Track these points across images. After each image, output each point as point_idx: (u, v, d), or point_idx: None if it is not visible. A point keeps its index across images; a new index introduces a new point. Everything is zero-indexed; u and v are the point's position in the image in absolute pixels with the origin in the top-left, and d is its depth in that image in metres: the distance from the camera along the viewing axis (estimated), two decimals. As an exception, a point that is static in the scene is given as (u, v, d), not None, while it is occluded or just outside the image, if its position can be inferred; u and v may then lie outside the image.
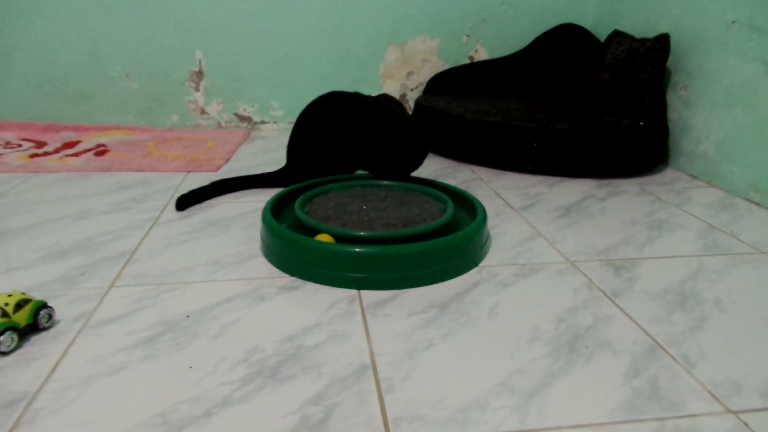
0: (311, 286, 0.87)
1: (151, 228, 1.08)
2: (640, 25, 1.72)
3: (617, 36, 1.69)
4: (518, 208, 1.23)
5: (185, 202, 1.19)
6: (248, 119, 2.02)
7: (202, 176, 1.40)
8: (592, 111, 1.63)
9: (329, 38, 1.95)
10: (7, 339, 0.67)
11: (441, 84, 1.93)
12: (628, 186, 1.41)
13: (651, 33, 1.61)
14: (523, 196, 1.31)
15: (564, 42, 1.95)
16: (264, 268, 0.92)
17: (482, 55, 2.05)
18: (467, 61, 2.05)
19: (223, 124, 2.01)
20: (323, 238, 0.92)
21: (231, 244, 1.01)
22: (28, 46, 1.83)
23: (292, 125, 1.35)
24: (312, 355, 0.69)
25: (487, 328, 0.76)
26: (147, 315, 0.77)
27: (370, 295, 0.84)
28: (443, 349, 0.71)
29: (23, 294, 0.71)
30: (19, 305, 0.69)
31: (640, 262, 0.97)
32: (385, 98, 1.26)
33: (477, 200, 1.06)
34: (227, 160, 1.58)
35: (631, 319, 0.79)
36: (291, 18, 1.91)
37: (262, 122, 2.03)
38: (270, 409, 0.60)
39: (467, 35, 2.02)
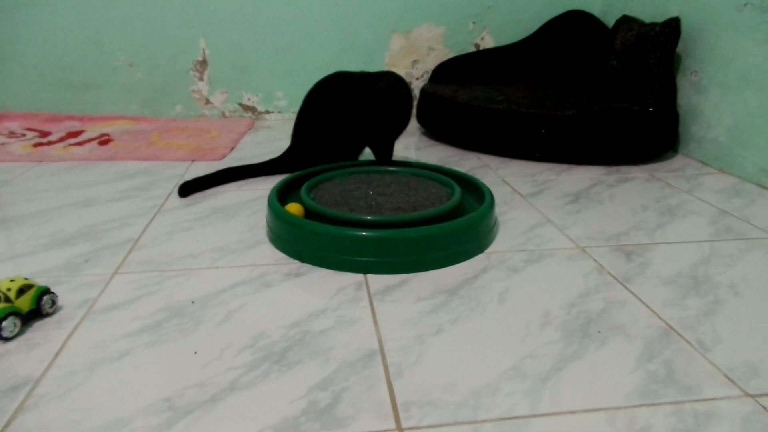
0: (317, 272, 0.85)
1: (155, 215, 1.07)
2: (649, 9, 1.69)
3: (626, 21, 1.66)
4: (526, 195, 1.21)
5: (188, 189, 1.18)
6: (252, 109, 2.00)
7: (207, 165, 1.39)
8: (601, 97, 1.60)
9: (334, 27, 1.93)
10: (10, 324, 0.66)
11: (447, 72, 1.90)
12: (638, 172, 1.39)
13: (660, 17, 1.58)
14: (531, 183, 1.29)
15: (571, 28, 1.92)
16: (269, 254, 0.91)
17: (488, 42, 2.02)
18: (473, 49, 2.03)
19: (227, 113, 2.00)
20: (292, 208, 0.93)
21: (236, 231, 1.00)
22: (32, 36, 1.82)
23: (296, 114, 1.34)
24: (319, 341, 0.68)
25: (497, 314, 0.74)
26: (152, 301, 0.76)
27: (377, 281, 0.83)
28: (453, 335, 0.70)
29: (26, 279, 0.70)
30: (21, 290, 0.68)
31: (652, 248, 0.95)
32: (389, 75, 1.24)
33: (484, 185, 1.05)
34: (231, 149, 1.56)
35: (644, 303, 0.77)
36: (295, 6, 1.89)
37: (267, 112, 2.01)
38: (277, 394, 0.59)
39: (473, 22, 2.00)
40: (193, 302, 0.76)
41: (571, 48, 1.91)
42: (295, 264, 0.88)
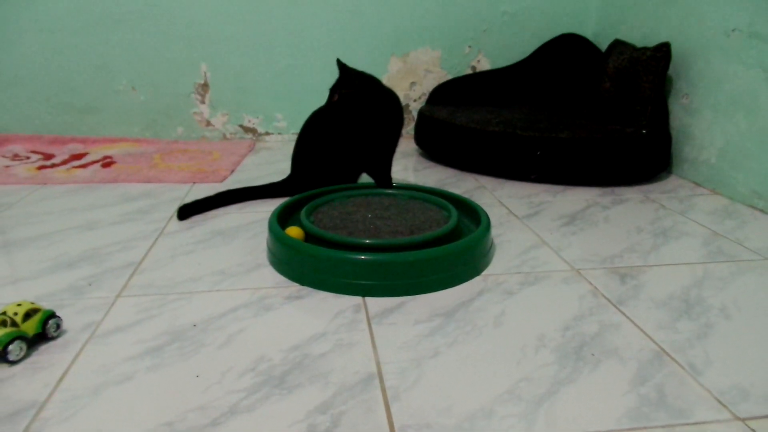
0: (317, 295, 0.87)
1: (157, 239, 1.09)
2: (641, 34, 1.73)
3: (618, 45, 1.70)
4: (522, 217, 1.23)
5: (187, 211, 1.20)
6: (253, 130, 2.03)
7: (208, 187, 1.41)
8: (595, 120, 1.63)
9: (333, 50, 1.97)
10: (16, 348, 0.67)
11: (444, 94, 1.94)
12: (632, 194, 1.41)
13: (652, 42, 1.62)
14: (527, 205, 1.32)
15: (565, 51, 1.97)
16: (270, 277, 0.93)
17: (484, 65, 2.07)
18: (469, 72, 2.07)
19: (228, 135, 2.03)
20: (292, 232, 0.96)
21: (236, 254, 1.01)
22: (36, 60, 1.86)
23: (296, 136, 1.37)
24: (318, 364, 0.69)
25: (493, 337, 0.76)
26: (154, 324, 0.78)
27: (375, 304, 0.84)
28: (449, 358, 0.71)
29: (32, 303, 0.72)
30: (27, 315, 0.70)
31: (645, 270, 0.97)
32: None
33: (481, 208, 1.07)
34: (232, 171, 1.59)
35: (637, 326, 0.79)
36: (295, 30, 1.94)
37: (267, 133, 2.04)
38: (277, 418, 0.60)
39: (469, 46, 2.04)
40: (194, 326, 0.77)
41: (565, 71, 1.95)
42: (295, 287, 0.90)
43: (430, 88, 2.00)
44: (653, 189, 1.46)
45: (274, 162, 1.71)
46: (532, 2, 2.01)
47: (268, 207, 1.23)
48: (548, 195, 1.40)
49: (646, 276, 0.95)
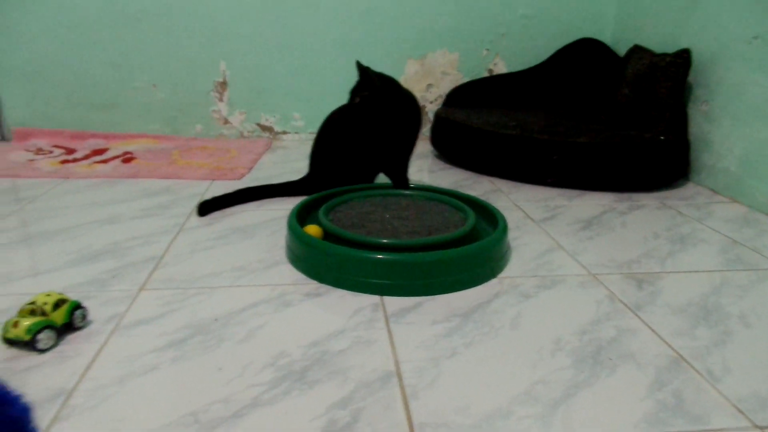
0: (335, 293, 0.88)
1: (177, 234, 1.11)
2: (660, 39, 1.72)
3: (637, 50, 1.70)
4: (538, 221, 1.23)
5: (207, 208, 1.21)
6: (270, 129, 2.05)
7: (226, 184, 1.43)
8: (613, 125, 1.63)
9: (350, 51, 1.98)
10: (45, 337, 0.69)
11: (460, 96, 1.94)
12: (649, 200, 1.40)
13: (671, 48, 1.61)
14: (543, 209, 1.32)
15: (583, 56, 1.96)
16: (289, 274, 0.94)
17: (501, 68, 2.07)
18: (486, 74, 2.07)
19: (245, 133, 2.05)
20: (311, 230, 0.97)
21: (256, 251, 1.03)
22: (59, 57, 1.89)
23: (313, 135, 1.38)
24: (337, 361, 0.70)
25: (509, 338, 0.76)
26: (176, 318, 0.79)
27: (393, 304, 0.85)
28: (467, 358, 0.72)
29: (60, 294, 0.74)
30: (56, 305, 0.72)
31: (663, 276, 0.97)
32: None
33: (498, 210, 1.07)
34: (250, 169, 1.61)
35: (655, 332, 0.79)
36: (313, 31, 1.95)
37: (284, 132, 2.06)
38: (298, 412, 0.61)
39: (487, 49, 2.04)
40: (216, 320, 0.79)
41: (582, 75, 1.94)
42: (314, 284, 0.91)
43: (447, 91, 2.01)
44: (670, 195, 1.45)
45: (290, 161, 1.73)
46: (550, 6, 2.01)
47: (286, 205, 1.24)
48: (564, 199, 1.40)
49: (664, 282, 0.95)
